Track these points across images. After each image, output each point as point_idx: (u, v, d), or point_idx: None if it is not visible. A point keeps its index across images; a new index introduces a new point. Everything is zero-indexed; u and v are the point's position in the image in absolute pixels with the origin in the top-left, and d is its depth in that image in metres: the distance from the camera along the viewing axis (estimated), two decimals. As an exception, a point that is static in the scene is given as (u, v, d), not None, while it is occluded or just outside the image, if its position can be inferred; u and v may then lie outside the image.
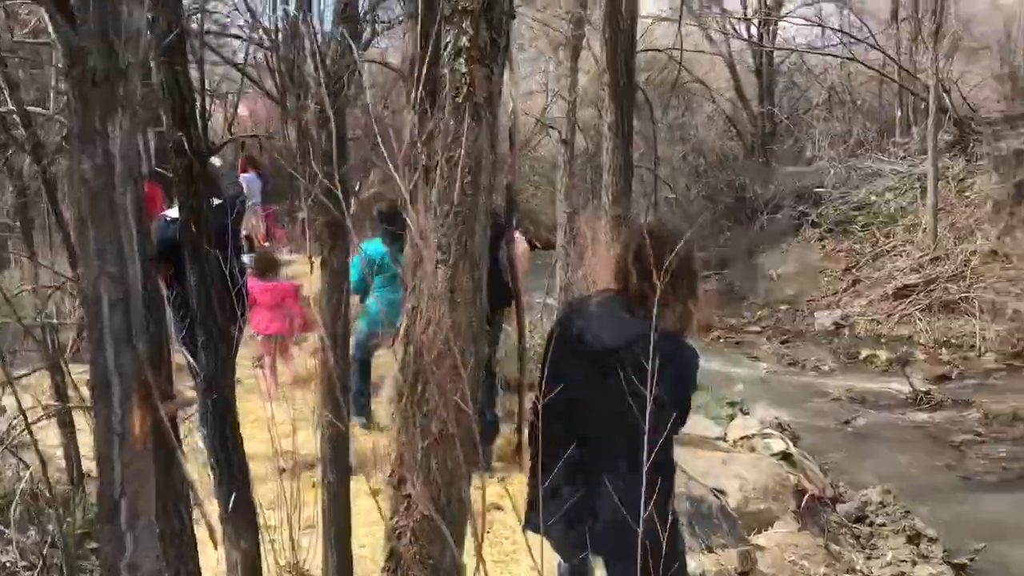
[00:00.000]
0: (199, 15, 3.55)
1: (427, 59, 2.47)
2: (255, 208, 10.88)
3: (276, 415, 4.43)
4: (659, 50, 14.47)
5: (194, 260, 3.03)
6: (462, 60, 2.39)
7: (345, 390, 2.99)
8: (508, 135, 2.55)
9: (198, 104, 2.95)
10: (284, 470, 4.33)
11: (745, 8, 19.99)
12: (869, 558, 5.63)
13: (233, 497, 3.16)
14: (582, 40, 9.04)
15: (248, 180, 10.72)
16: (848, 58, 18.91)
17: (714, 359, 13.16)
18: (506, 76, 2.58)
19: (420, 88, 2.49)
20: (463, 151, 2.41)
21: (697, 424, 6.98)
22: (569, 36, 8.76)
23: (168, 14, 2.69)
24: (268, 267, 6.88)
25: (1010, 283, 13.10)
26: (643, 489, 2.78)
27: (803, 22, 20.19)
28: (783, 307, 15.94)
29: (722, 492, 5.50)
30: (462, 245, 2.46)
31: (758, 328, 15.29)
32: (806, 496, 5.90)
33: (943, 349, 12.69)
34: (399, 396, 2.58)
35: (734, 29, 19.78)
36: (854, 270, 15.86)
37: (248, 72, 3.85)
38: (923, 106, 17.66)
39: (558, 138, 9.47)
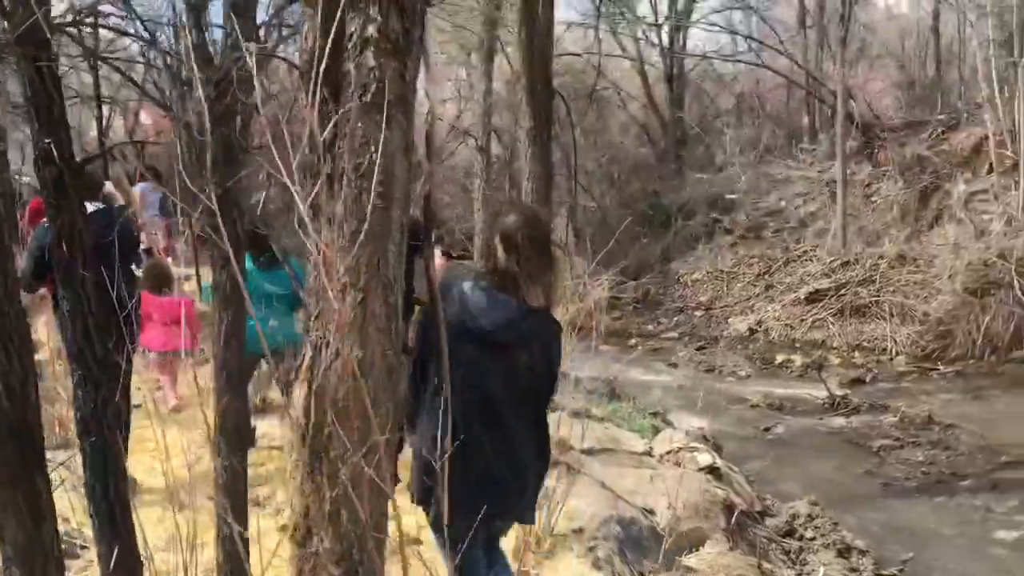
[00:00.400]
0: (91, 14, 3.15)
1: (330, 51, 2.16)
2: (155, 220, 10.25)
3: (175, 441, 4.01)
4: (577, 54, 14.35)
5: (67, 285, 2.65)
6: (370, 53, 2.08)
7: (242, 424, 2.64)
8: (424, 140, 2.25)
9: (98, 108, 2.57)
10: (184, 506, 3.93)
11: (656, 15, 20.09)
12: (800, 574, 5.50)
13: (116, 552, 2.78)
14: (496, 43, 8.79)
15: (145, 190, 10.09)
16: (757, 64, 19.18)
17: (632, 367, 13.06)
18: (421, 73, 2.29)
19: (321, 85, 2.17)
20: (372, 158, 2.10)
21: (622, 438, 6.79)
22: (483, 38, 8.49)
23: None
24: (163, 281, 6.39)
25: (918, 286, 13.37)
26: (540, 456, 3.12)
27: (714, 28, 20.43)
28: (698, 313, 15.99)
29: (651, 512, 5.29)
30: (373, 266, 2.15)
31: (675, 334, 15.30)
32: (736, 512, 5.74)
33: (856, 353, 12.87)
34: (301, 439, 2.26)
35: (645, 35, 19.87)
36: (767, 275, 16.02)
37: (137, 74, 3.48)
38: (829, 112, 18.00)
39: (474, 145, 9.22)
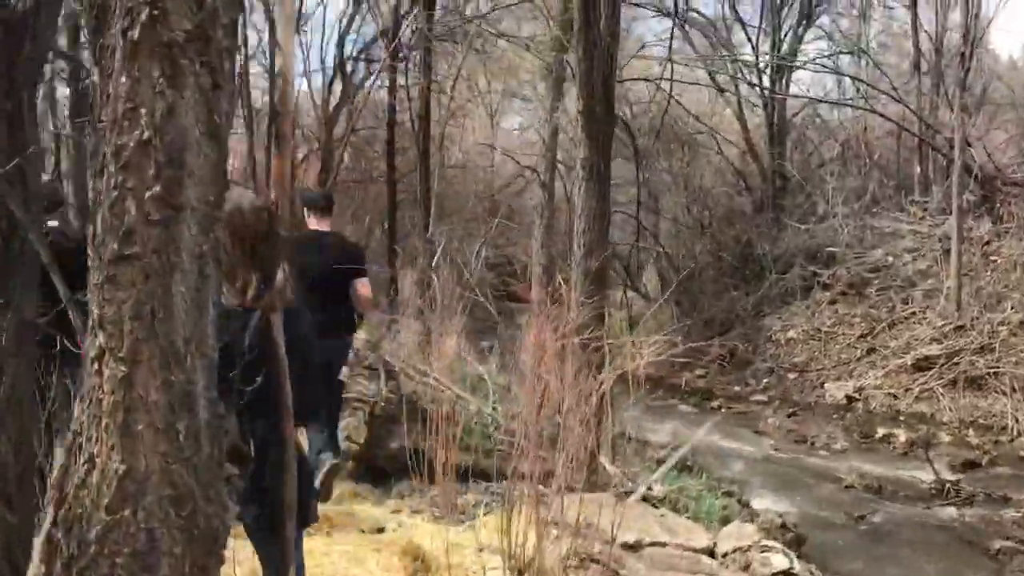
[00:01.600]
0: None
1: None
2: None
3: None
4: (646, 79, 13.36)
5: None
6: (137, -44, 1.24)
7: None
8: (269, 117, 1.40)
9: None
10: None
11: (757, 54, 18.96)
12: None
13: None
14: (563, 66, 7.93)
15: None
16: (867, 109, 17.84)
17: (714, 432, 11.90)
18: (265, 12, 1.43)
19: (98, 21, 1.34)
20: (144, 138, 1.25)
21: (680, 528, 5.74)
22: (551, 66, 7.66)
23: None
24: None
25: (1043, 358, 11.82)
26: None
27: (821, 70, 19.14)
28: (791, 376, 14.67)
29: (703, 635, 4.25)
30: (145, 320, 1.28)
31: (764, 398, 14.03)
32: (813, 636, 4.64)
33: (970, 430, 11.36)
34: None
35: (743, 75, 18.75)
36: (869, 337, 14.59)
37: None
38: (944, 163, 16.54)
39: (537, 181, 8.38)
